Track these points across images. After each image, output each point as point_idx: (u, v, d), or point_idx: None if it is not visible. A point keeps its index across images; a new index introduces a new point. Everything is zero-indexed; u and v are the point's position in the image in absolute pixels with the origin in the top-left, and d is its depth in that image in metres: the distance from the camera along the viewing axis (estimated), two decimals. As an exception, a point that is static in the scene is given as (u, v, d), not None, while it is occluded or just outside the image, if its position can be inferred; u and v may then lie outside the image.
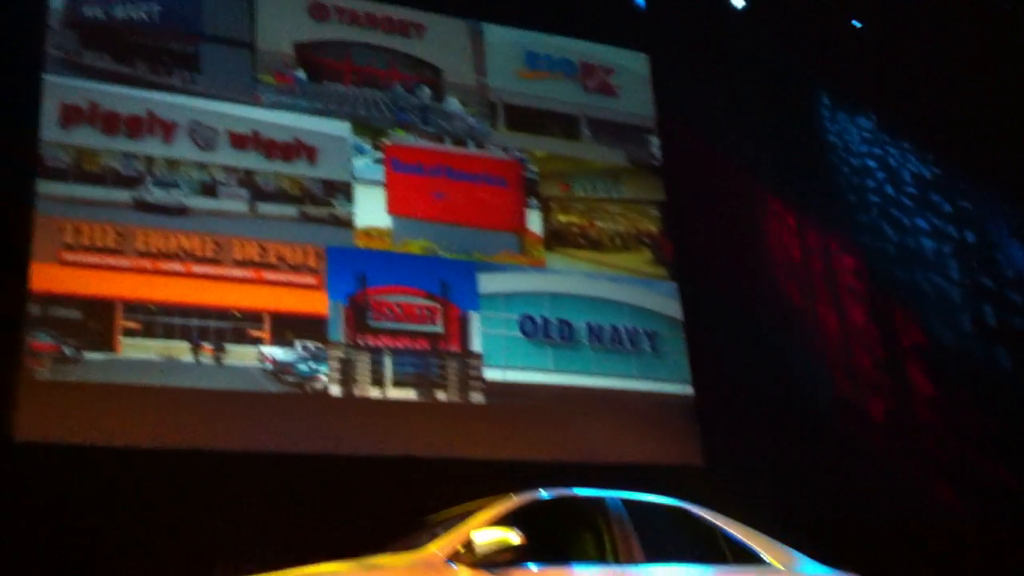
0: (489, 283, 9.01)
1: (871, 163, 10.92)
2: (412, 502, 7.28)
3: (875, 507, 9.19)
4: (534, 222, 9.50)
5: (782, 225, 10.34)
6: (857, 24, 10.93)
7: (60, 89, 8.13)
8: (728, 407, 9.32)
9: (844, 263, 10.38)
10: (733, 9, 10.53)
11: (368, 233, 8.79)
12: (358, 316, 8.44)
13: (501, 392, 8.68)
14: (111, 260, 7.82)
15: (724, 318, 9.64)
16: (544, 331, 9.02)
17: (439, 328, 8.67)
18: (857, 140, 11.19)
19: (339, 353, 8.25)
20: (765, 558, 6.00)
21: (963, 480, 9.01)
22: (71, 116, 8.10)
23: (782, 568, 5.98)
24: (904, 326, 10.06)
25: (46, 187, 7.82)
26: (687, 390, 9.32)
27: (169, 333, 7.79)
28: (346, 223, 8.73)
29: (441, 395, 8.49)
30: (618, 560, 5.48)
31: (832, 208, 10.62)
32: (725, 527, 6.11)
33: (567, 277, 9.38)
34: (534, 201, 9.58)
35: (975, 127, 10.26)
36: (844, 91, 11.34)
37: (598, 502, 5.77)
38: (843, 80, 11.34)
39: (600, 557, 5.51)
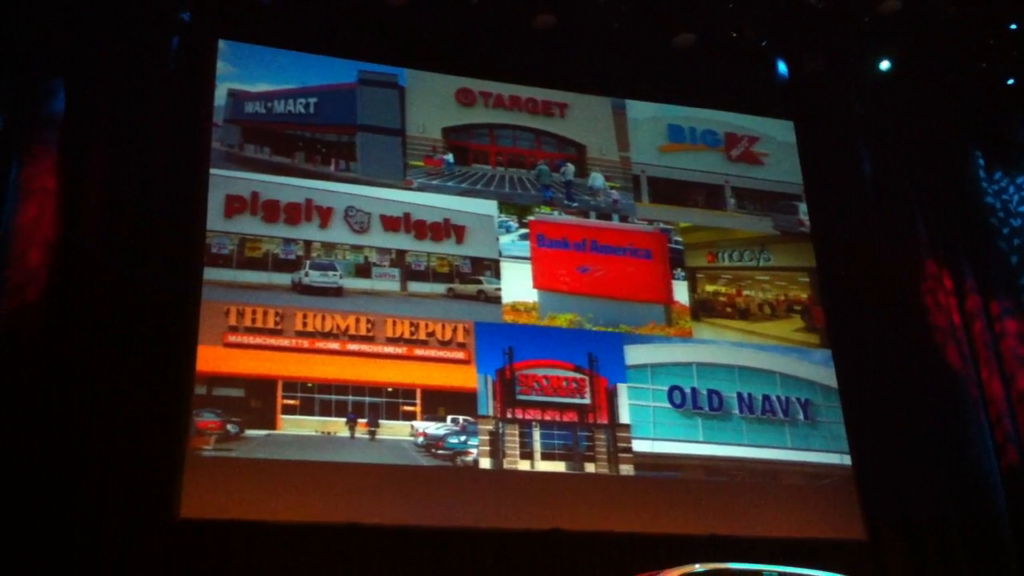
0: (636, 354, 9.01)
1: (1032, 226, 10.51)
2: (564, 574, 7.29)
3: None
4: (680, 293, 9.48)
5: (939, 288, 9.98)
6: (1011, 82, 10.61)
7: (224, 181, 8.63)
8: (890, 478, 8.97)
9: (1007, 327, 9.94)
10: (879, 73, 10.37)
11: (515, 308, 8.93)
12: (506, 390, 8.54)
13: (650, 464, 8.61)
14: (271, 340, 8.18)
15: (881, 385, 9.34)
16: (693, 401, 8.92)
17: (587, 400, 8.69)
18: (1016, 200, 10.78)
19: (488, 426, 8.36)
20: (933, 634, 5.75)
21: None
22: (234, 206, 8.58)
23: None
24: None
25: (211, 274, 8.27)
26: (845, 460, 9.03)
27: (326, 410, 8.06)
28: (494, 299, 8.90)
29: (590, 467, 8.48)
30: (779, 636, 5.35)
31: (992, 271, 10.21)
32: (888, 602, 5.90)
33: (715, 347, 9.29)
34: (680, 272, 9.56)
35: None
36: (1000, 149, 10.97)
37: (755, 575, 5.67)
38: (999, 138, 10.98)
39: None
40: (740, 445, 8.87)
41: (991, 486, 9.06)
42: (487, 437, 8.33)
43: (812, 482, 8.92)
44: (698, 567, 5.58)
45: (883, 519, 8.79)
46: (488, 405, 8.44)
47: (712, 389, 9.02)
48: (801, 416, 9.14)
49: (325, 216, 8.80)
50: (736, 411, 9.00)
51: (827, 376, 9.40)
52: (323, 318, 8.37)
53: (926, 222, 10.28)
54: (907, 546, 8.70)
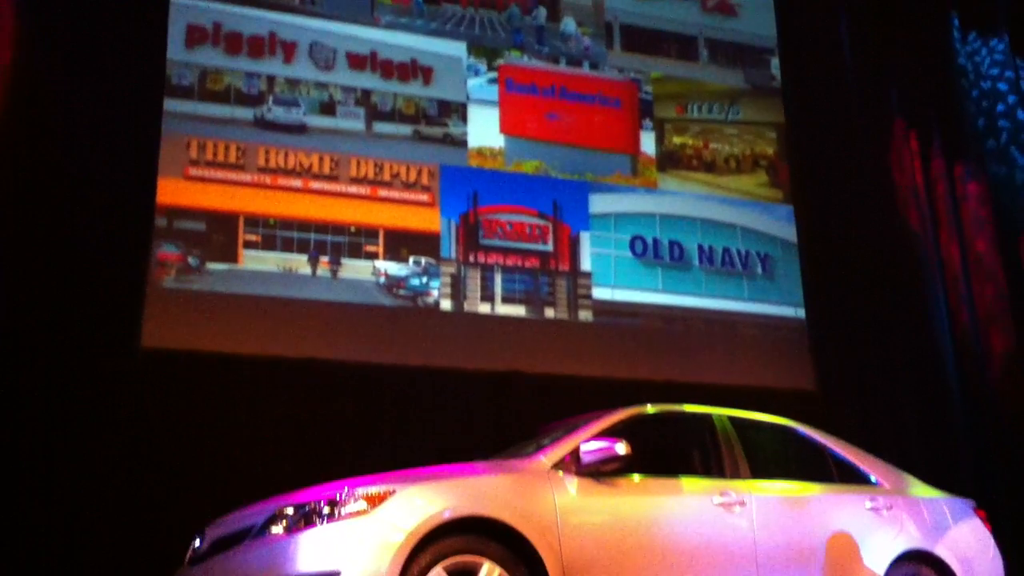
0: (600, 203, 9.00)
1: (1002, 86, 10.45)
2: (519, 416, 7.46)
3: (992, 438, 8.98)
4: (648, 144, 9.43)
5: (905, 149, 10.01)
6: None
7: (186, 11, 8.34)
8: (842, 332, 9.16)
9: (969, 190, 10.02)
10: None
11: (481, 153, 8.85)
12: (469, 234, 8.54)
13: (609, 311, 8.72)
14: (233, 175, 8.07)
15: (840, 242, 9.44)
16: (654, 252, 8.99)
17: (549, 247, 8.72)
18: (988, 63, 10.71)
19: (450, 269, 8.39)
20: (873, 478, 5.98)
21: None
22: (196, 36, 8.32)
23: (890, 488, 5.95)
24: (1029, 255, 9.72)
25: (172, 105, 8.08)
26: (799, 313, 9.20)
27: (288, 247, 8.02)
28: (460, 143, 8.80)
29: (550, 312, 8.57)
30: (723, 475, 5.52)
31: (959, 133, 10.23)
32: (833, 447, 6.11)
33: (679, 199, 9.30)
34: (648, 123, 9.48)
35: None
36: (977, 10, 10.84)
37: (705, 418, 5.82)
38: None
39: (705, 471, 5.56)
40: (698, 296, 8.98)
41: (942, 346, 9.29)
42: (449, 279, 8.37)
43: (767, 333, 9.10)
44: (650, 407, 5.70)
45: (833, 371, 9.02)
46: (451, 248, 8.45)
47: (674, 240, 9.08)
48: (759, 269, 9.25)
49: (289, 51, 8.58)
50: (696, 262, 9.08)
51: (787, 231, 9.47)
52: (286, 155, 8.25)
53: (897, 82, 10.22)
54: (856, 397, 8.96)
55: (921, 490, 6.12)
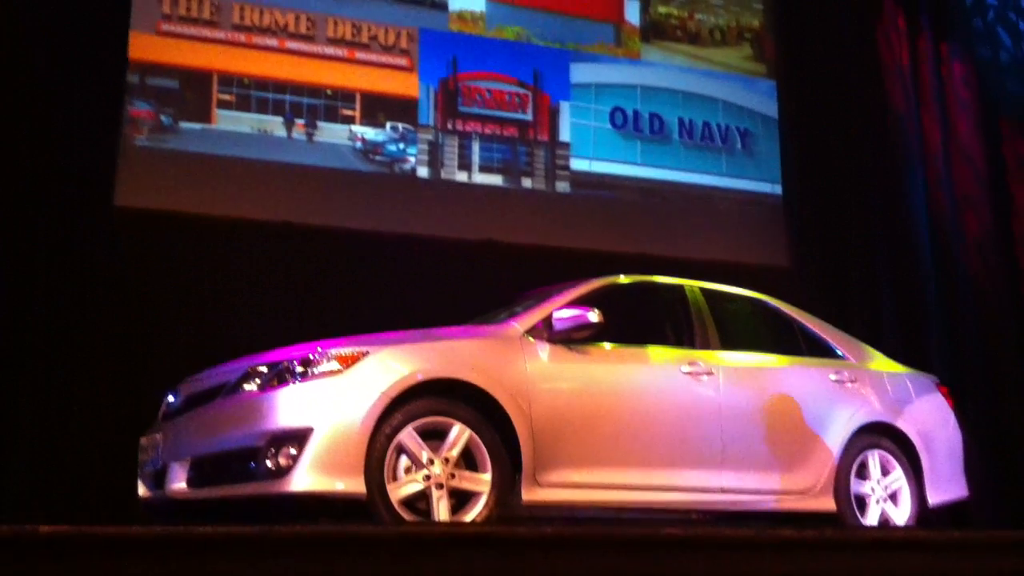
0: (582, 73, 8.87)
1: (991, -37, 10.28)
2: (494, 285, 7.47)
3: (962, 318, 9.11)
4: (632, 13, 9.24)
5: (891, 27, 9.86)
6: None
7: None
8: (819, 210, 9.18)
9: (954, 70, 9.92)
10: None
11: (462, 16, 8.65)
12: (448, 100, 8.42)
13: (587, 183, 8.68)
14: (207, 32, 7.87)
15: (821, 120, 9.37)
16: (634, 124, 8.90)
17: (528, 116, 8.61)
18: (980, -63, 10.50)
19: (428, 136, 8.29)
20: (839, 352, 6.08)
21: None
22: None
23: (855, 362, 6.05)
24: (1010, 139, 9.68)
25: (143, -44, 7.82)
26: (776, 190, 9.20)
27: (262, 108, 7.88)
28: (440, 6, 8.60)
29: (527, 182, 8.53)
30: (693, 345, 5.60)
31: (947, 12, 10.07)
32: (802, 321, 6.19)
33: (662, 70, 9.17)
34: (634, -9, 9.28)
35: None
36: None
37: (677, 289, 5.86)
38: None
39: (676, 341, 5.63)
40: (677, 169, 8.94)
41: (918, 226, 9.33)
42: (426, 146, 8.27)
43: (744, 209, 9.10)
44: (623, 278, 5.73)
45: (808, 248, 9.07)
46: (429, 114, 8.33)
47: (654, 112, 8.98)
48: (739, 145, 9.20)
49: (265, -96, 8.27)
50: (676, 136, 9.01)
51: (769, 107, 9.39)
52: (261, 12, 8.03)
53: (889, -44, 10.01)
54: (830, 274, 9.04)
55: (886, 365, 6.23)
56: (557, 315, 5.11)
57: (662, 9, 9.38)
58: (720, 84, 9.33)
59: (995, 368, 8.88)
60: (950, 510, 6.11)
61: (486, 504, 4.60)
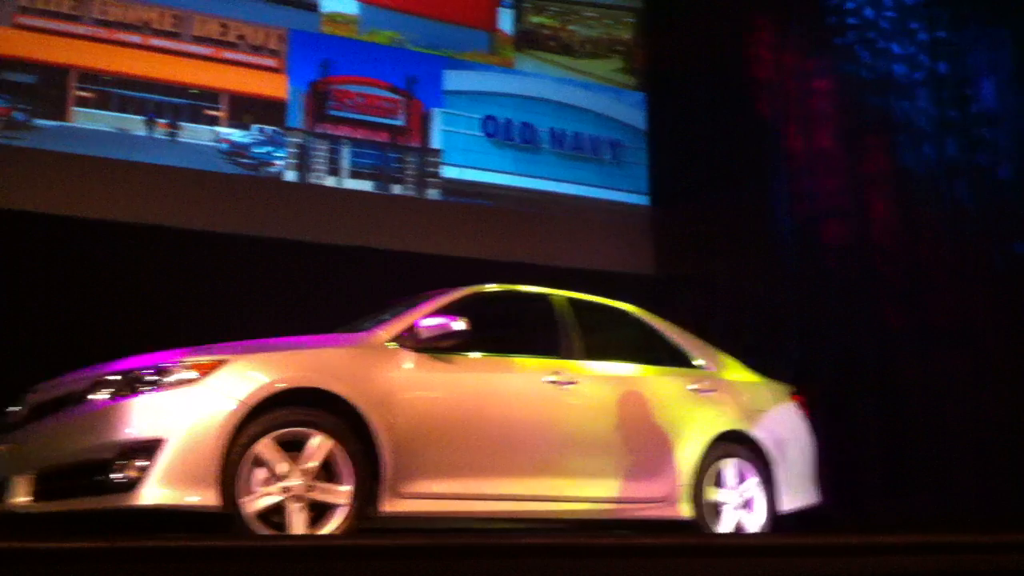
0: (455, 80, 8.87)
1: (853, -16, 10.66)
2: (362, 291, 7.38)
3: (820, 329, 9.40)
4: (505, 22, 9.29)
5: (759, 42, 10.13)
6: None
7: None
8: (686, 220, 9.37)
9: (818, 85, 10.25)
10: None
11: (334, 19, 8.56)
12: (318, 103, 8.31)
13: (458, 190, 8.69)
14: (67, 27, 7.60)
15: (690, 131, 9.57)
16: (506, 132, 8.95)
17: (400, 122, 8.57)
18: (843, -41, 10.86)
19: (296, 139, 8.17)
20: (699, 361, 6.19)
21: (909, 300, 9.20)
22: None
23: (714, 371, 6.18)
24: (870, 152, 10.03)
25: (-1, -54, 7.50)
26: (644, 200, 9.36)
27: (123, 106, 7.65)
28: (311, 7, 8.49)
29: (397, 189, 8.48)
30: (558, 354, 5.63)
31: (812, 29, 10.40)
32: (665, 331, 6.28)
33: (535, 80, 9.24)
34: (508, 0, 9.32)
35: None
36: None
37: (544, 299, 5.89)
38: None
39: (541, 350, 5.65)
40: (547, 179, 9.02)
41: (782, 236, 9.60)
42: (295, 150, 8.15)
43: (612, 219, 9.24)
44: (490, 287, 5.73)
45: (674, 257, 9.25)
46: (298, 117, 8.21)
47: (526, 122, 9.05)
48: (608, 156, 9.33)
49: None
50: (547, 145, 9.09)
51: (638, 118, 9.56)
52: (125, 8, 7.79)
53: (757, -27, 10.28)
54: (695, 284, 9.23)
55: (744, 374, 6.38)
56: (422, 324, 5.08)
57: (535, 19, 9.45)
58: (591, 95, 9.45)
59: (852, 376, 9.19)
60: (803, 515, 6.29)
61: (346, 516, 4.54)
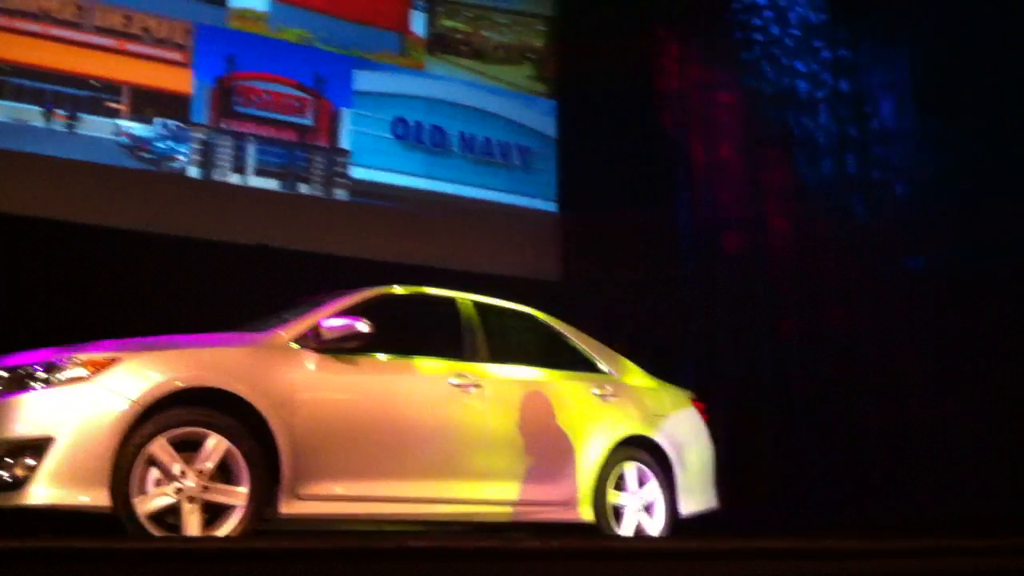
0: (365, 81, 8.81)
1: (761, 1, 10.87)
2: (266, 290, 7.29)
3: (718, 335, 9.57)
4: (418, 24, 9.26)
5: (666, 54, 10.29)
6: None
7: None
8: (592, 227, 9.46)
9: (721, 98, 10.44)
10: None
11: (242, 14, 8.43)
12: (224, 99, 8.17)
13: (366, 192, 8.62)
14: (-40, 13, 7.35)
15: (598, 140, 9.67)
16: (416, 135, 8.91)
17: (309, 121, 8.47)
18: (750, -24, 11.09)
19: (200, 135, 8.01)
20: (603, 366, 6.24)
21: (803, 310, 9.44)
22: None
23: (618, 377, 6.24)
24: (771, 165, 10.25)
25: None
26: (552, 207, 9.42)
27: (19, 95, 7.41)
28: (219, 2, 8.34)
29: (304, 188, 8.38)
30: (463, 357, 5.62)
31: (718, 43, 10.59)
32: (569, 335, 6.32)
33: (446, 84, 9.23)
34: (420, 3, 9.29)
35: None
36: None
37: (450, 302, 5.87)
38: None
39: (447, 353, 5.63)
40: (456, 183, 9.02)
41: (684, 244, 9.76)
42: (199, 146, 8.00)
43: (520, 224, 9.27)
44: (396, 288, 5.70)
45: (580, 264, 9.33)
46: (203, 113, 8.06)
47: (436, 125, 9.03)
48: (518, 161, 9.37)
49: None
50: (457, 149, 9.09)
51: (548, 126, 9.62)
52: (23, -5, 7.56)
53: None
54: (599, 290, 9.32)
55: (646, 380, 6.45)
56: (325, 324, 5.02)
57: (447, 23, 9.44)
58: (502, 101, 9.47)
59: (749, 383, 9.38)
60: (702, 519, 6.37)
61: (242, 518, 4.46)
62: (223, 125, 8.11)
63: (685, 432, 6.32)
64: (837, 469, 8.86)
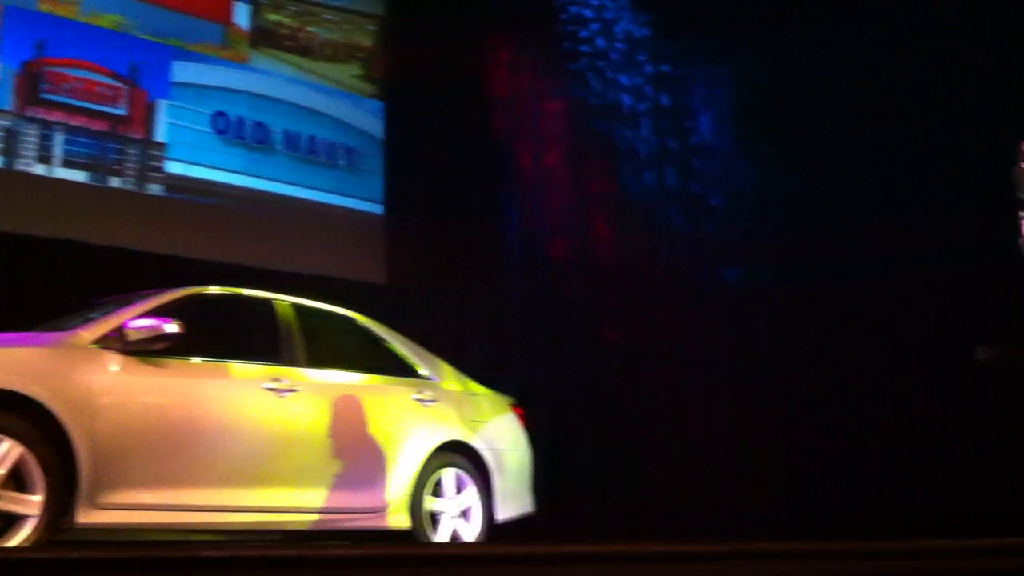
0: (184, 72, 8.48)
1: (589, 13, 11.03)
2: (71, 288, 6.94)
3: (541, 337, 9.67)
4: (241, 16, 8.99)
5: (495, 60, 10.34)
6: None
7: None
8: (418, 231, 9.41)
9: (549, 107, 10.56)
10: None
11: (54, -3, 7.99)
12: (31, 85, 7.71)
13: (183, 187, 8.30)
14: None
15: (426, 143, 9.63)
16: (237, 130, 8.64)
17: (122, 111, 8.09)
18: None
19: (3, 122, 7.54)
20: (424, 371, 6.21)
21: (624, 317, 9.63)
22: None
23: (439, 382, 6.22)
24: (595, 175, 10.42)
25: None
26: (378, 209, 9.32)
27: None
28: (29, -18, 7.88)
29: (116, 182, 8.00)
30: (279, 361, 5.49)
31: (546, 52, 10.71)
32: (390, 340, 6.26)
33: (270, 78, 8.99)
34: (245, -6, 9.04)
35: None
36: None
37: (267, 304, 5.74)
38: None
39: (262, 356, 5.49)
40: (279, 181, 8.79)
41: (511, 250, 9.81)
42: (1, 133, 7.53)
43: (345, 225, 9.12)
44: (209, 289, 5.52)
45: (405, 268, 9.26)
46: (6, 99, 7.58)
47: (259, 121, 8.77)
48: (343, 162, 9.22)
49: None
50: (280, 147, 8.86)
51: (376, 126, 9.51)
52: None
53: (497, -7, 10.48)
54: (425, 294, 9.28)
55: (467, 385, 6.45)
56: (131, 324, 4.82)
57: (273, 16, 9.20)
58: (329, 99, 9.30)
59: (569, 389, 9.51)
60: (518, 525, 6.41)
61: (35, 528, 4.23)
62: (28, 112, 7.65)
63: (504, 438, 6.36)
64: (653, 476, 9.08)
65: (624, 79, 10.49)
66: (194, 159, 8.37)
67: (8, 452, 4.21)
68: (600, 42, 10.64)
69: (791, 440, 8.66)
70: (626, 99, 10.39)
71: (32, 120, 7.67)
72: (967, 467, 7.98)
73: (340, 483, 5.40)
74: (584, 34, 10.83)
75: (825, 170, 8.88)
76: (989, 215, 5.40)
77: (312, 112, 9.14)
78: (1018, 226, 5.11)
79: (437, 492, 5.85)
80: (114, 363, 4.72)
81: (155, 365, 4.86)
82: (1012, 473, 7.62)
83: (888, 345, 8.50)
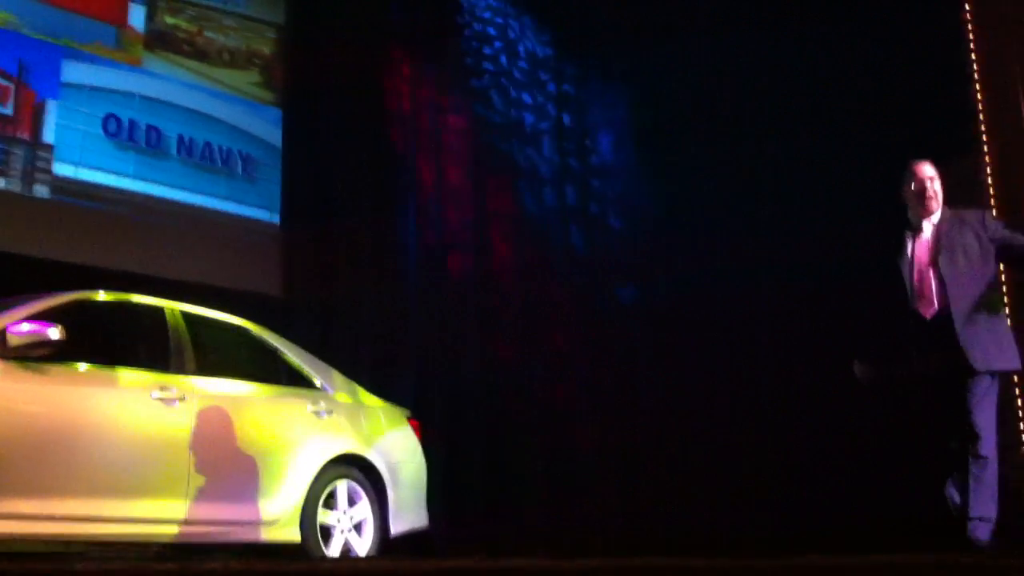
0: (75, 72, 8.22)
1: (492, 31, 11.07)
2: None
3: (436, 351, 9.62)
4: (137, 18, 8.77)
5: (396, 73, 10.30)
6: None
7: None
8: (315, 242, 9.30)
9: (451, 123, 10.54)
10: None
11: (-65, -11, 7.69)
12: (-91, 80, 7.41)
13: (71, 190, 8.04)
14: None
15: (325, 153, 9.53)
16: (129, 134, 8.41)
17: (8, 111, 7.80)
18: (483, 5, 11.28)
19: None
20: (319, 383, 6.13)
21: (520, 333, 9.65)
22: None
23: (333, 394, 6.14)
24: (495, 192, 10.44)
25: None
26: (274, 218, 9.18)
27: None
28: (-93, -26, 7.57)
29: (0, 183, 7.71)
30: (168, 369, 5.36)
31: (448, 68, 10.70)
32: (285, 351, 6.17)
33: (165, 82, 8.77)
34: (141, -4, 8.83)
35: (592, 16, 10.67)
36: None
37: (157, 311, 5.61)
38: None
39: (151, 364, 5.35)
40: (172, 187, 8.58)
41: (407, 263, 9.74)
42: None
43: (240, 235, 8.95)
44: (97, 294, 5.36)
45: (301, 279, 9.14)
46: None
47: (152, 125, 8.55)
48: (240, 169, 9.06)
49: None
50: (174, 152, 8.66)
51: (274, 135, 9.37)
52: None
53: (398, 7, 10.44)
54: (320, 306, 9.17)
55: (362, 397, 6.39)
56: (12, 329, 4.67)
57: (169, 20, 9.00)
58: (225, 106, 9.13)
59: (466, 403, 9.48)
60: (411, 539, 6.35)
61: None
62: (-95, 108, 7.35)
63: (399, 451, 6.30)
64: (548, 491, 9.10)
65: (527, 97, 10.55)
66: (83, 162, 8.11)
67: None
68: (503, 60, 10.69)
69: (679, 452, 8.75)
70: (528, 117, 10.45)
71: (-90, 116, 7.36)
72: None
73: (228, 494, 5.29)
74: (487, 51, 10.87)
75: (720, 192, 9.02)
76: (882, 232, 5.54)
77: (208, 118, 8.96)
78: (904, 244, 5.27)
79: (330, 505, 5.77)
80: (-6, 369, 4.54)
81: (38, 372, 4.72)
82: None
83: (779, 362, 8.64)
